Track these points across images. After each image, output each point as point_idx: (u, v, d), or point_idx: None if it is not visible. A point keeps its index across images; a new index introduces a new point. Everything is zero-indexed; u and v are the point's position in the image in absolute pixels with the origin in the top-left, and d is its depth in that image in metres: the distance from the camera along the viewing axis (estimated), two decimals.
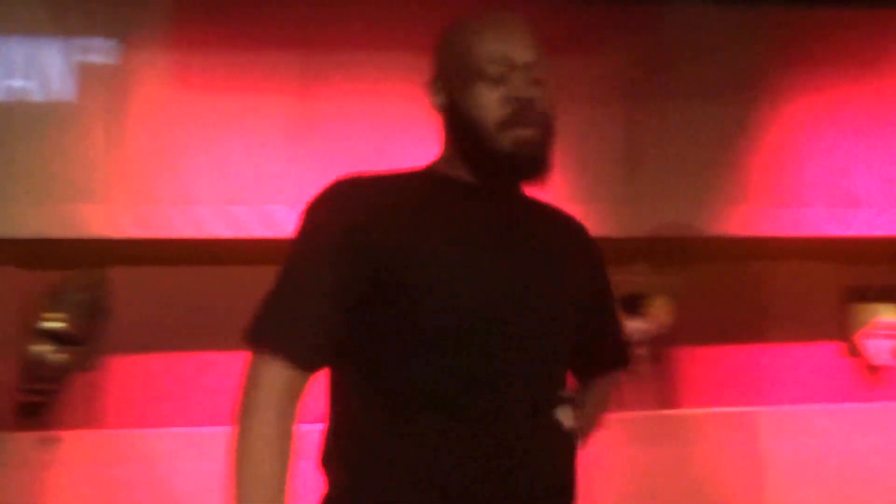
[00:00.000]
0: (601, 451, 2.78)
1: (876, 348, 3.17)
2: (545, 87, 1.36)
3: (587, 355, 1.55)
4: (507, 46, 1.34)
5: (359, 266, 1.29)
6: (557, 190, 2.87)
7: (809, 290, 3.21)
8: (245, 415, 1.23)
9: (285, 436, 1.23)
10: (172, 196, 2.72)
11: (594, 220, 2.84)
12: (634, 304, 3.04)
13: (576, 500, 1.39)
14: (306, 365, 1.27)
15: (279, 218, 2.76)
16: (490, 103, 1.32)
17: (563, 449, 1.39)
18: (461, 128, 1.37)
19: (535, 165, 1.36)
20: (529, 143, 1.33)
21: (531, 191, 1.45)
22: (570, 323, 1.42)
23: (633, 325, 3.01)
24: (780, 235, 3.02)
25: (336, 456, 1.34)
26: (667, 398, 3.09)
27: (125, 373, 2.83)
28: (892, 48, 3.12)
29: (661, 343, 3.10)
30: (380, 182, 1.39)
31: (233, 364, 2.81)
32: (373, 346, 1.31)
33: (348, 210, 1.32)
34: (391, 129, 2.85)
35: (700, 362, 3.09)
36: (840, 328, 3.23)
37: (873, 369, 3.21)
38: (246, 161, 2.78)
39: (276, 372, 1.25)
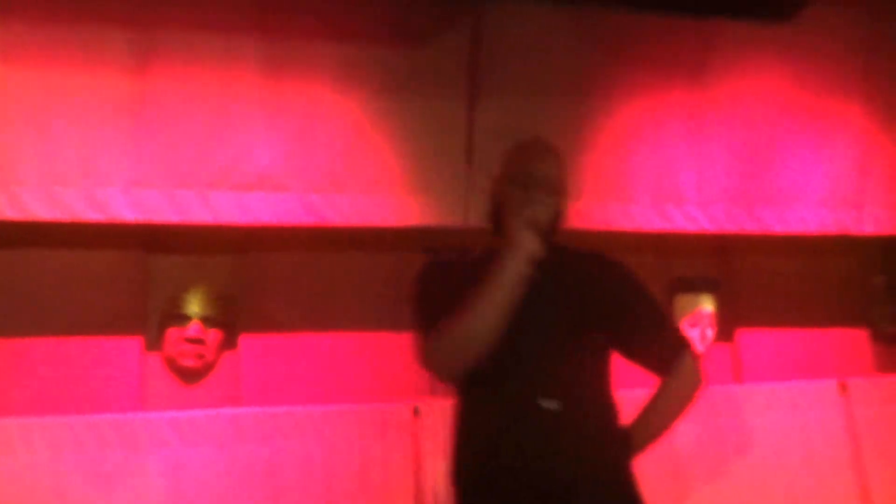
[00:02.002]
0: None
1: (696, 336, 3.35)
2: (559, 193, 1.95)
3: (643, 359, 1.99)
4: (530, 163, 1.96)
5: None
6: (398, 179, 2.93)
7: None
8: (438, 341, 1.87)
9: None
10: None
11: (433, 211, 2.95)
12: None
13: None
14: None
15: (110, 201, 2.66)
16: (515, 204, 1.90)
17: (543, 425, 1.80)
18: (497, 215, 1.99)
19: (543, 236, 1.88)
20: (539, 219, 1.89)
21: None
22: (580, 335, 1.89)
23: None
24: (609, 229, 3.14)
25: None
26: None
27: None
28: (715, 55, 3.28)
29: None
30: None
31: (55, 350, 2.74)
32: None
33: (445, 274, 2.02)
34: (226, 113, 2.79)
35: None
36: None
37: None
38: (76, 141, 2.66)
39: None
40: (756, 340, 3.48)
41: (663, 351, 1.97)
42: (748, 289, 3.49)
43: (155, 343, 2.88)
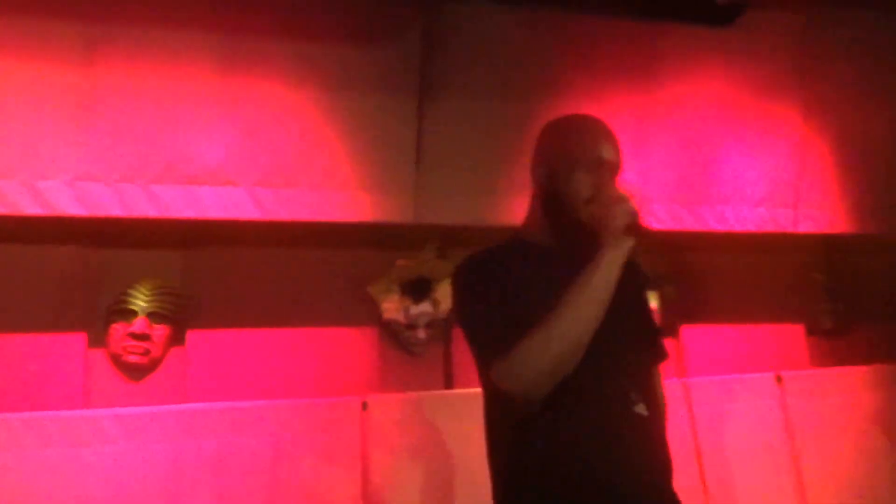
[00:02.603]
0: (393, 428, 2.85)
1: None
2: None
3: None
4: (605, 146, 1.79)
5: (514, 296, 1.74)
6: (348, 175, 2.94)
7: None
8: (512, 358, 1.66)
9: None
10: None
11: (383, 208, 2.96)
12: (421, 289, 3.13)
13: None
14: None
15: (54, 195, 2.61)
16: (582, 189, 1.74)
17: (641, 430, 1.72)
18: (556, 201, 1.79)
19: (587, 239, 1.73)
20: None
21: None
22: (636, 340, 1.80)
23: (419, 309, 3.11)
24: None
25: None
26: (450, 378, 3.21)
27: None
28: (660, 59, 3.35)
29: (448, 326, 3.21)
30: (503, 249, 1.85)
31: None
32: None
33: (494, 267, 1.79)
34: (175, 107, 2.76)
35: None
36: None
37: None
38: (19, 133, 2.61)
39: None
40: (699, 336, 3.57)
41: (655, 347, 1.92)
42: (692, 286, 3.57)
43: (100, 339, 2.84)
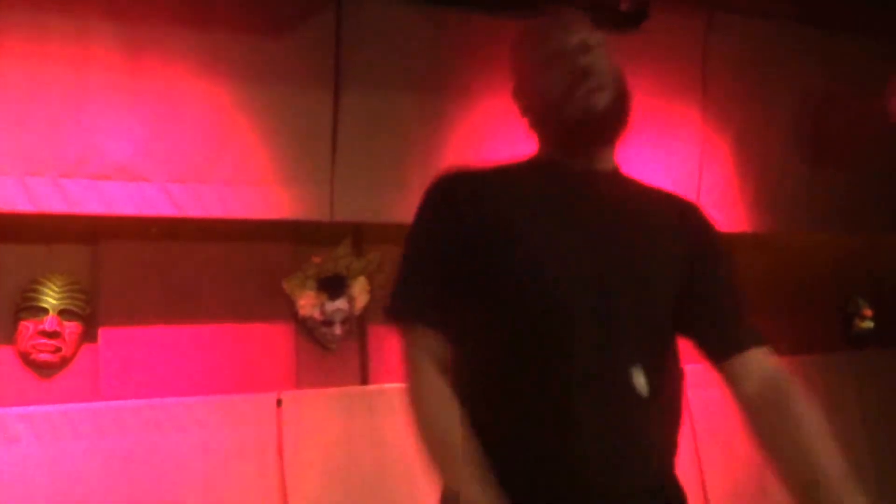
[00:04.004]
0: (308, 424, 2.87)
1: None
2: (607, 56, 1.49)
3: (705, 337, 1.50)
4: (566, 34, 1.49)
5: (463, 243, 1.43)
6: (263, 171, 2.92)
7: None
8: (412, 375, 1.42)
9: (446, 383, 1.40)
10: None
11: (299, 204, 2.96)
12: (336, 285, 3.15)
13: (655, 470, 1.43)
14: (440, 328, 1.44)
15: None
16: (555, 81, 1.45)
17: (637, 417, 1.37)
18: (538, 113, 1.52)
19: (606, 124, 1.47)
20: (594, 105, 1.44)
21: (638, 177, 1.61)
22: (655, 296, 1.45)
23: (335, 306, 3.12)
24: None
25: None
26: (366, 374, 3.24)
27: None
28: None
29: (363, 322, 3.24)
30: (485, 171, 1.53)
31: None
32: (475, 312, 1.44)
33: (456, 199, 1.48)
34: (82, 98, 2.71)
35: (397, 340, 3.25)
36: None
37: None
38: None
39: (422, 337, 1.43)
40: None
41: (737, 332, 1.49)
42: None
43: (7, 336, 2.77)
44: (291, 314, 3.16)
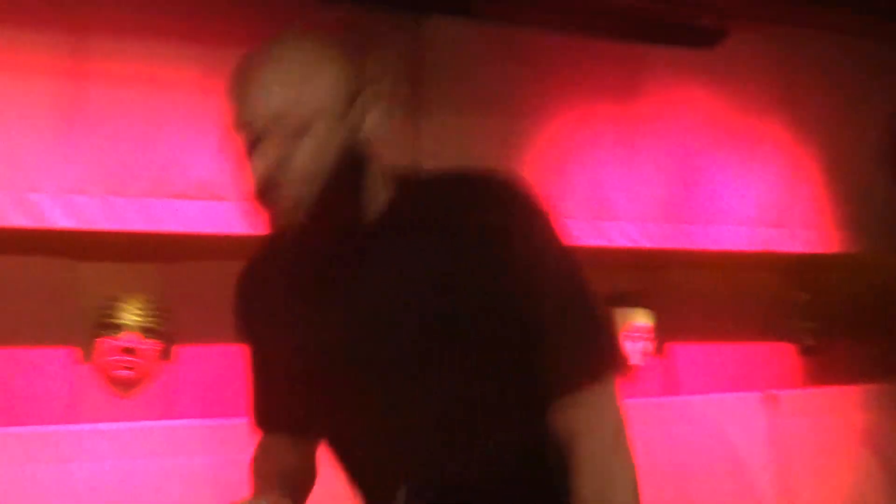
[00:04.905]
0: None
1: (630, 349, 3.41)
2: (310, 135, 1.10)
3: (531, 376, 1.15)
4: (241, 100, 1.14)
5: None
6: None
7: None
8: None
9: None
10: None
11: None
12: None
13: None
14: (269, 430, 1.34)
15: (42, 206, 2.58)
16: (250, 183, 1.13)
17: None
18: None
19: (315, 233, 1.13)
20: (285, 222, 1.13)
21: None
22: (437, 353, 1.11)
23: None
24: None
25: None
26: None
27: None
28: (644, 76, 3.39)
29: None
30: (253, 263, 1.36)
31: None
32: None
33: (237, 299, 1.38)
34: (162, 117, 2.75)
35: None
36: None
37: (628, 369, 3.47)
38: (6, 145, 2.58)
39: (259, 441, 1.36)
40: (686, 354, 3.57)
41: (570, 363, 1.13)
42: (680, 303, 3.58)
43: (87, 354, 2.80)
44: None
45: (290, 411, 1.28)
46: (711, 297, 3.64)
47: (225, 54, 2.80)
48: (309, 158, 1.10)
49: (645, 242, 3.32)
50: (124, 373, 2.77)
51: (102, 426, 2.60)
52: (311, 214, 1.10)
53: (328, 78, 1.12)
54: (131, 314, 2.79)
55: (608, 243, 3.28)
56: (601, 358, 1.14)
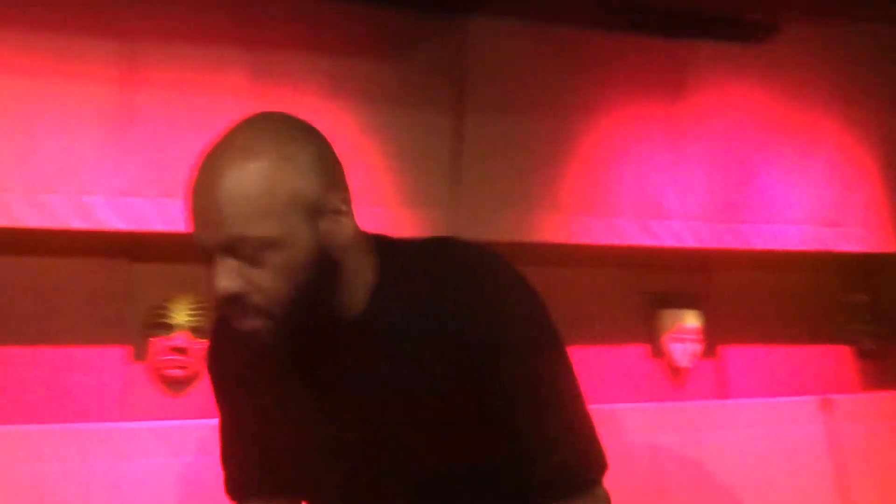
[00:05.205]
0: None
1: (679, 351, 3.37)
2: (276, 262, 1.06)
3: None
4: (199, 221, 1.09)
5: None
6: (385, 193, 2.94)
7: (618, 296, 3.39)
8: None
9: None
10: None
11: (421, 224, 2.96)
12: None
13: None
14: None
15: (96, 208, 2.65)
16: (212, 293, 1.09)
17: None
18: None
19: (289, 334, 1.10)
20: (253, 338, 1.10)
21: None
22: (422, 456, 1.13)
23: None
24: (591, 243, 3.17)
25: None
26: None
27: None
28: (693, 72, 3.34)
29: None
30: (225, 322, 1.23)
31: (39, 359, 2.72)
32: None
33: (210, 357, 1.34)
34: (214, 123, 2.78)
35: None
36: (646, 332, 3.43)
37: (676, 371, 3.43)
38: (62, 148, 2.64)
39: None
40: (739, 357, 3.51)
41: (537, 474, 1.14)
42: (731, 304, 3.52)
43: (140, 352, 2.86)
44: None
45: (265, 477, 1.26)
46: (764, 298, 3.57)
47: (272, 58, 2.87)
48: (273, 276, 1.05)
49: (694, 242, 3.28)
50: (176, 372, 2.83)
51: (155, 424, 2.67)
52: (282, 324, 1.07)
53: (290, 192, 1.05)
54: (183, 314, 2.85)
55: (658, 242, 3.24)
56: (582, 466, 1.14)
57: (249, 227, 1.03)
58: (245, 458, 1.24)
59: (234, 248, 1.04)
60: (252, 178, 1.04)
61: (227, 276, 1.04)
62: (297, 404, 1.15)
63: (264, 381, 1.17)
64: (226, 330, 1.19)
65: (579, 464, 1.14)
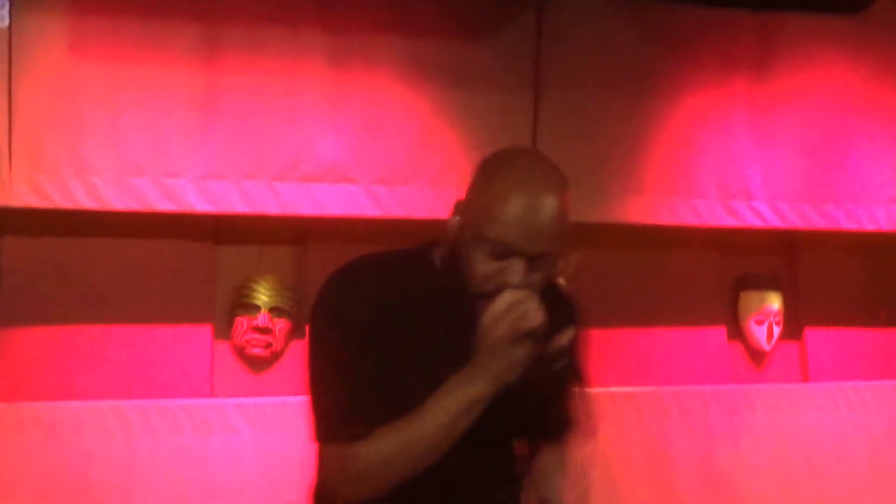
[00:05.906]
0: None
1: (761, 333, 3.31)
2: (546, 270, 1.36)
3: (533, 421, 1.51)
4: (519, 236, 1.30)
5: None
6: (463, 173, 2.93)
7: (701, 277, 3.34)
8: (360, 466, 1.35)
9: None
10: (70, 166, 2.64)
11: None
12: None
13: None
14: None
15: (182, 191, 2.72)
16: (481, 273, 1.33)
17: None
18: (457, 263, 1.39)
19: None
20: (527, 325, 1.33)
21: None
22: (509, 408, 1.36)
23: None
24: (674, 224, 3.12)
25: None
26: None
27: (17, 346, 2.75)
28: (779, 48, 3.24)
29: None
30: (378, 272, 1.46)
31: (128, 337, 2.81)
32: None
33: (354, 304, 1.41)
34: (293, 105, 2.83)
35: (596, 344, 3.17)
36: (728, 314, 3.37)
37: (758, 353, 3.37)
38: (147, 133, 2.71)
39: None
40: (824, 339, 3.42)
41: (557, 419, 1.57)
42: (815, 287, 3.43)
43: (225, 332, 2.94)
44: None
45: (383, 414, 1.34)
46: (850, 280, 3.47)
47: (352, 41, 2.89)
48: (540, 280, 1.35)
49: (779, 223, 3.20)
50: (259, 350, 2.90)
51: (241, 400, 2.74)
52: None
53: (566, 220, 1.35)
54: (265, 295, 2.91)
55: (741, 223, 3.17)
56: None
57: (552, 244, 1.33)
58: (371, 392, 1.35)
59: (538, 257, 1.32)
60: (561, 208, 1.33)
61: (522, 275, 1.31)
62: (431, 349, 1.39)
63: (403, 328, 1.38)
64: (375, 281, 1.42)
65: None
